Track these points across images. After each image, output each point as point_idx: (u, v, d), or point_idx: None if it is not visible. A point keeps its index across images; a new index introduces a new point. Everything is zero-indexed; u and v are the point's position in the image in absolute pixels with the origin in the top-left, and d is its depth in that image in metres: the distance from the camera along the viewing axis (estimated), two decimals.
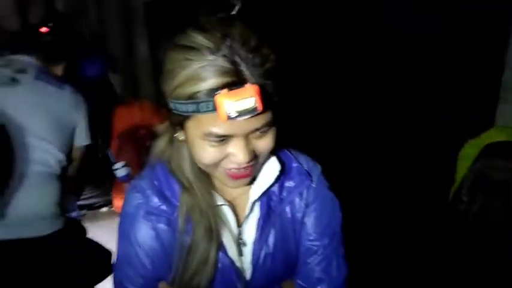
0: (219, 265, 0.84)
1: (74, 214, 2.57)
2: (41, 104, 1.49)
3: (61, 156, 1.55)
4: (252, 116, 0.66)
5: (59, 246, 1.55)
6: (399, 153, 2.34)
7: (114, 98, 2.98)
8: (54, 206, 1.56)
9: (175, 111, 0.71)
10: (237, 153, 0.72)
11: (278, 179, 0.86)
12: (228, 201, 0.86)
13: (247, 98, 0.64)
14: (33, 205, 1.49)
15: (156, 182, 0.85)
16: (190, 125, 0.72)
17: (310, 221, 0.91)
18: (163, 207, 0.83)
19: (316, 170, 0.93)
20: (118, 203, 2.57)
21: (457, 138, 1.26)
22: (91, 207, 2.84)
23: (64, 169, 1.60)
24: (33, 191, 1.49)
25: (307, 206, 0.91)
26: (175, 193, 0.84)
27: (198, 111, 0.67)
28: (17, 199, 1.45)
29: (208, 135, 0.70)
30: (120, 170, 2.43)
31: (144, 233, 0.83)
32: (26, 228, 1.47)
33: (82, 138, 1.66)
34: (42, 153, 1.50)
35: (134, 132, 2.64)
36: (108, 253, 1.78)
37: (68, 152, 1.60)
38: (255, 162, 0.77)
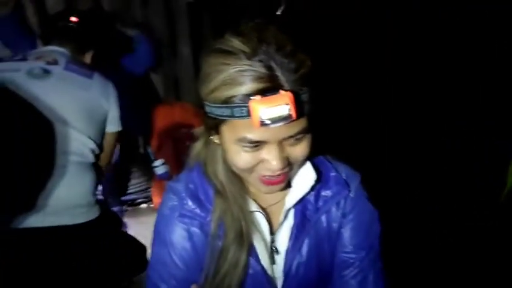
0: (250, 271, 0.84)
1: (116, 209, 2.65)
2: (72, 94, 1.52)
3: (93, 144, 1.58)
4: (286, 123, 0.66)
5: (94, 235, 1.59)
6: (425, 156, 2.29)
7: (155, 97, 3.04)
8: (90, 195, 1.59)
9: (210, 115, 0.72)
10: (270, 160, 0.72)
11: (314, 188, 0.85)
12: (262, 208, 0.86)
13: (281, 104, 0.64)
14: (70, 194, 1.53)
15: (191, 185, 0.85)
16: (225, 129, 0.72)
17: (346, 232, 0.88)
18: (197, 210, 0.83)
19: (354, 179, 0.90)
20: (157, 200, 2.62)
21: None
22: (131, 203, 2.92)
23: (97, 157, 1.63)
24: (69, 181, 1.52)
25: (344, 216, 0.88)
26: (209, 197, 0.84)
27: (232, 115, 0.67)
28: (55, 189, 1.50)
29: (242, 141, 0.70)
30: (160, 167, 2.47)
31: (178, 235, 0.84)
32: (63, 216, 1.52)
33: (113, 125, 1.68)
34: (76, 143, 1.53)
35: (174, 132, 2.69)
36: (143, 247, 1.81)
37: (100, 140, 1.63)
38: (289, 169, 0.76)
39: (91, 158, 1.59)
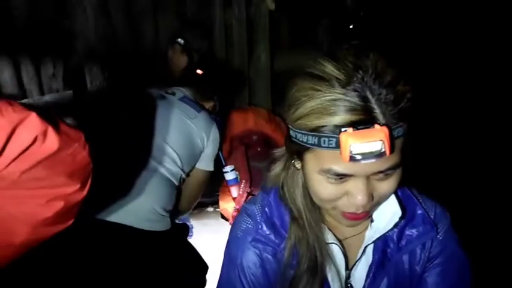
0: None
1: (184, 217, 2.70)
2: (179, 121, 1.68)
3: (184, 171, 1.69)
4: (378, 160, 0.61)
5: (162, 246, 1.63)
6: None
7: (229, 102, 3.06)
8: (166, 210, 1.64)
9: (295, 140, 0.68)
10: (355, 194, 0.67)
11: (398, 225, 0.78)
12: (339, 240, 0.80)
13: (375, 140, 0.59)
14: (149, 200, 1.58)
15: (267, 209, 0.82)
16: (310, 157, 0.68)
17: (431, 279, 0.80)
18: (272, 236, 0.80)
19: (444, 219, 0.82)
20: (223, 204, 2.63)
21: None
22: (198, 205, 2.96)
23: (182, 182, 1.73)
24: (154, 189, 1.60)
25: (429, 260, 0.80)
26: (284, 223, 0.80)
27: (319, 145, 0.63)
28: (140, 192, 1.57)
29: (327, 172, 0.66)
30: (229, 173, 2.48)
31: (250, 259, 0.81)
32: (138, 220, 1.57)
33: (205, 163, 1.78)
34: (171, 162, 1.64)
35: (246, 137, 2.69)
36: (205, 267, 1.83)
37: (189, 170, 1.73)
38: (374, 204, 0.71)
39: (177, 181, 1.68)
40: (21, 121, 0.59)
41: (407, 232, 0.80)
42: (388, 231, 0.78)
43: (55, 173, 0.65)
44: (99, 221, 1.51)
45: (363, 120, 0.61)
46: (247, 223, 0.82)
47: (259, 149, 2.68)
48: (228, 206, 2.59)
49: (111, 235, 1.53)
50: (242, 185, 2.56)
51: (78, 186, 0.70)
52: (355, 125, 0.61)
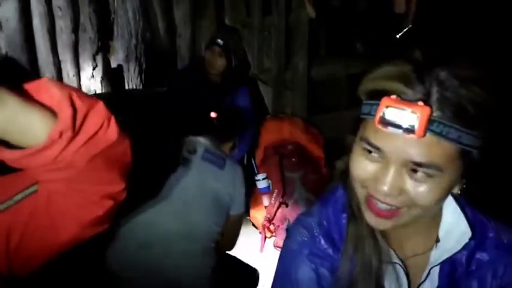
0: None
1: None
2: (204, 185, 1.65)
3: (218, 230, 1.67)
4: (407, 136, 0.58)
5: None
6: None
7: (264, 110, 3.03)
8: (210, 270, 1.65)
9: (361, 116, 0.66)
10: (381, 179, 0.62)
11: (467, 247, 0.71)
12: (401, 260, 0.74)
13: (411, 113, 0.56)
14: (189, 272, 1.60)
15: (325, 222, 0.77)
16: (360, 128, 0.66)
17: None
18: (329, 251, 0.75)
19: None
20: (254, 213, 2.58)
21: None
22: None
23: (220, 236, 1.72)
24: (187, 264, 1.60)
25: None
26: (343, 238, 0.75)
27: (369, 113, 0.62)
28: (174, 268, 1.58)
29: (363, 141, 0.63)
30: (262, 181, 2.43)
31: (306, 275, 0.76)
32: None
33: (237, 207, 1.75)
34: (201, 231, 1.63)
35: (281, 147, 2.63)
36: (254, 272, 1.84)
37: (224, 222, 1.71)
38: (405, 208, 0.64)
39: (213, 243, 1.66)
40: (93, 106, 0.60)
41: (477, 256, 0.73)
42: (456, 254, 0.72)
43: (110, 167, 0.65)
44: None
45: (411, 94, 0.59)
46: (303, 236, 0.77)
47: (293, 160, 2.61)
48: (258, 214, 2.53)
49: None
50: (274, 195, 2.50)
51: (124, 185, 0.68)
52: (402, 95, 0.59)
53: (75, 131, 0.58)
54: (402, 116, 0.57)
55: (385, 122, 0.58)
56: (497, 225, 0.75)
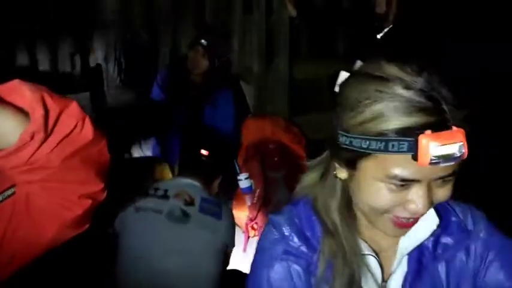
0: None
1: None
2: (203, 240, 1.63)
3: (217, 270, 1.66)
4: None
5: None
6: None
7: (245, 109, 3.02)
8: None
9: (348, 146, 0.64)
10: (416, 201, 0.64)
11: (434, 233, 0.76)
12: (374, 251, 0.77)
13: (455, 142, 0.57)
14: None
15: (297, 220, 0.78)
16: (368, 164, 0.65)
17: (493, 276, 0.77)
18: (303, 248, 0.75)
19: (481, 220, 0.80)
20: (237, 213, 2.57)
21: None
22: None
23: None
24: None
25: (482, 260, 0.78)
26: (316, 234, 0.76)
27: (385, 150, 0.60)
28: None
29: (391, 178, 0.63)
30: (244, 181, 2.43)
31: (278, 272, 0.76)
32: None
33: (230, 248, 1.74)
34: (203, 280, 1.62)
35: (262, 146, 2.63)
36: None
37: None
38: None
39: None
40: (66, 106, 0.61)
41: (443, 240, 0.78)
42: (424, 241, 0.75)
43: (87, 167, 0.65)
44: None
45: (439, 122, 0.59)
46: (273, 234, 0.78)
47: (275, 159, 2.62)
48: (241, 214, 2.53)
49: None
50: (256, 194, 2.50)
51: (102, 185, 0.69)
52: (432, 127, 0.59)
53: (48, 132, 0.58)
54: (451, 150, 0.58)
55: (436, 162, 0.58)
56: (456, 208, 0.80)
